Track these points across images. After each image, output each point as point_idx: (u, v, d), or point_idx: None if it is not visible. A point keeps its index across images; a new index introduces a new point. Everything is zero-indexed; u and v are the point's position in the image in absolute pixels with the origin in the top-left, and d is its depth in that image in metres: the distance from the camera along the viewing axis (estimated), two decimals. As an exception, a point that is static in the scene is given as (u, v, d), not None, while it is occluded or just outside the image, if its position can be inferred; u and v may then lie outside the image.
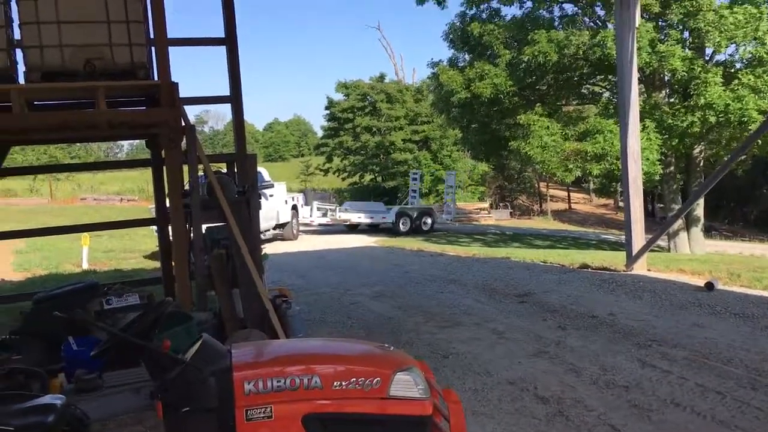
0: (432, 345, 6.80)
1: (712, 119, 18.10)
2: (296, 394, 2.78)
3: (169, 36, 5.95)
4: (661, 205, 31.61)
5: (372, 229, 25.68)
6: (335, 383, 2.83)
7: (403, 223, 25.10)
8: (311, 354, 3.19)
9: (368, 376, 2.88)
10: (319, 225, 25.46)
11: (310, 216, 24.47)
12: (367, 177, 44.26)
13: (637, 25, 10.79)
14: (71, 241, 16.59)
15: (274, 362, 3.02)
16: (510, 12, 27.56)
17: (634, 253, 10.71)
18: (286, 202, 21.45)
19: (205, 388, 2.68)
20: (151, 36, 6.02)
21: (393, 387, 2.89)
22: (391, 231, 24.79)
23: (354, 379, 2.86)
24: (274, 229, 20.70)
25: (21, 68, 5.66)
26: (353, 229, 25.83)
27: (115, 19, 5.63)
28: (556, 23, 22.01)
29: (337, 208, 25.45)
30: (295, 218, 22.26)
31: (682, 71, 18.32)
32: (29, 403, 2.90)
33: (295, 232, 22.03)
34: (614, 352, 6.26)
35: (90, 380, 5.30)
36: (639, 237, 10.79)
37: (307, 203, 24.46)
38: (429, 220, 26.09)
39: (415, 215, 25.68)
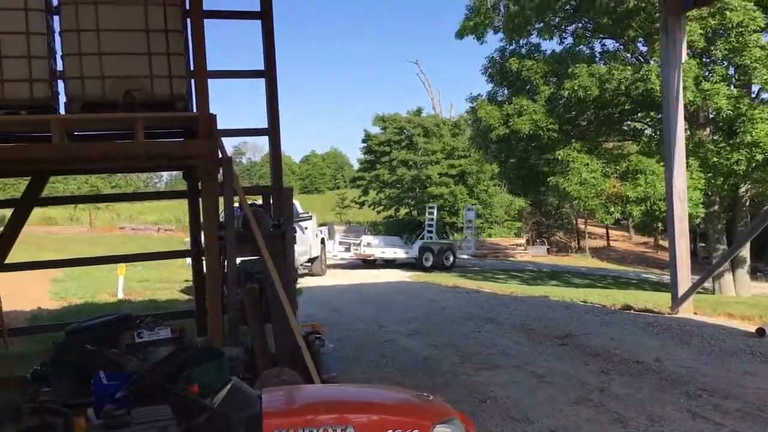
0: (469, 388, 6.55)
1: (759, 157, 17.61)
2: (328, 445, 2.61)
3: (207, 68, 5.94)
4: (703, 245, 30.78)
5: (389, 264, 24.93)
6: (370, 435, 2.66)
7: (426, 259, 24.52)
8: (345, 402, 3.02)
9: (406, 428, 2.70)
10: (342, 259, 24.79)
11: (332, 250, 23.80)
12: (403, 210, 44.14)
13: (683, 60, 10.56)
14: (108, 270, 16.71)
15: (306, 410, 2.85)
16: (550, 47, 27.43)
17: (679, 296, 10.32)
18: (316, 235, 20.76)
19: (233, 437, 2.53)
20: (191, 68, 6.02)
21: (432, 440, 2.71)
22: (413, 266, 24.13)
23: (390, 430, 2.68)
24: (304, 264, 19.90)
25: (62, 99, 5.70)
26: (371, 264, 25.03)
27: (156, 51, 5.65)
28: (597, 59, 21.81)
29: (361, 242, 24.68)
30: (323, 252, 21.46)
31: (728, 110, 17.89)
32: (50, 446, 2.78)
33: (323, 267, 21.24)
34: (662, 401, 5.94)
35: (118, 416, 5.20)
36: (685, 279, 10.40)
37: (330, 237, 23.74)
38: (451, 256, 25.47)
39: (437, 250, 25.05)
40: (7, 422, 2.93)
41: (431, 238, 27.19)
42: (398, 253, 25.10)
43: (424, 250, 24.78)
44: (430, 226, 28.24)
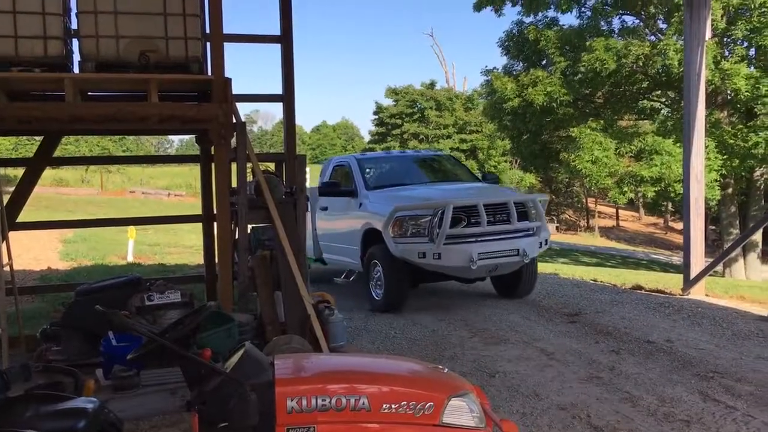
0: (477, 362, 6.52)
1: (778, 140, 17.39)
2: (342, 415, 2.56)
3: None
4: (713, 227, 30.55)
5: None
6: (384, 406, 2.61)
7: None
8: (359, 372, 2.98)
9: (420, 400, 2.65)
10: None
11: None
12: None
13: (707, 39, 10.33)
14: (118, 232, 16.78)
15: (320, 378, 2.81)
16: (568, 21, 27.01)
17: (692, 277, 10.21)
18: None
19: (245, 403, 2.49)
20: (207, 30, 5.93)
21: (446, 413, 2.66)
22: None
23: (404, 402, 2.63)
24: None
25: (76, 58, 5.64)
26: None
27: (172, 12, 5.57)
28: (616, 35, 21.48)
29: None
30: None
31: (746, 91, 17.60)
32: (61, 406, 2.75)
33: None
34: (673, 382, 5.88)
35: (127, 378, 5.22)
36: (698, 260, 10.28)
37: None
38: None
39: None
40: (18, 380, 2.90)
41: None
42: None
43: None
44: None
